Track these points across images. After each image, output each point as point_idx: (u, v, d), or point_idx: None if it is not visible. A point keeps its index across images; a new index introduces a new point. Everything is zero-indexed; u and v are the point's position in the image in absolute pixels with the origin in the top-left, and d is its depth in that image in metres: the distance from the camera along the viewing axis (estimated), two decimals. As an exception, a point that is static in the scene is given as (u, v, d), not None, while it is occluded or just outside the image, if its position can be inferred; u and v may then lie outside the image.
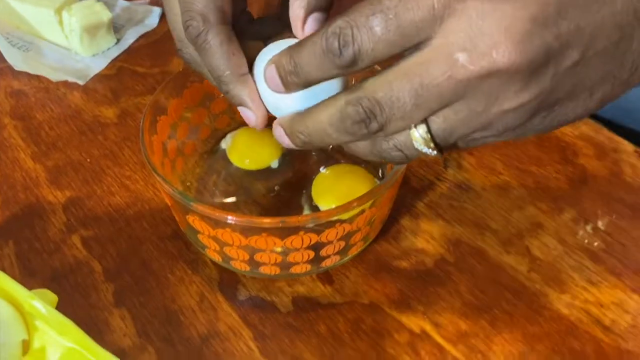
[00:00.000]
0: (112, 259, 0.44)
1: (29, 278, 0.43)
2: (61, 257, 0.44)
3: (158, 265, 0.44)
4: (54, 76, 0.58)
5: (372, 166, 0.46)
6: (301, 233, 0.36)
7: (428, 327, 0.40)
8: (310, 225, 0.36)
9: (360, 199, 0.36)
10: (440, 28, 0.26)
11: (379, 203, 0.39)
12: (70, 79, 0.57)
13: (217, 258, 0.41)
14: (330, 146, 0.42)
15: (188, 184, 0.47)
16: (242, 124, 0.49)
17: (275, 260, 0.39)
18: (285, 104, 0.31)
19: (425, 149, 0.29)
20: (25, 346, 0.36)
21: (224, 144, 0.49)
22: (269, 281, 0.42)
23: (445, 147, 0.29)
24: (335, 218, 0.36)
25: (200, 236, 0.39)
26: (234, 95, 0.34)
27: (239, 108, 0.34)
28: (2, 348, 0.35)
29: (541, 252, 0.43)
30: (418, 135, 0.28)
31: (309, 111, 0.30)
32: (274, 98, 0.32)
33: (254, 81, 0.33)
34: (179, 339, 0.40)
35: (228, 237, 0.37)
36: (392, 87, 0.27)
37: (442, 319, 0.40)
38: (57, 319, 0.35)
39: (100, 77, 0.58)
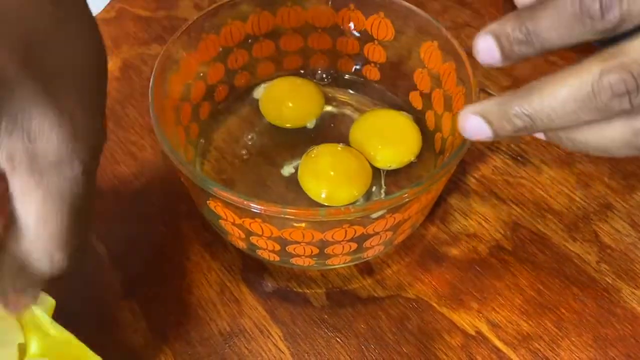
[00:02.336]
0: (118, 242, 0.38)
1: (23, 263, 0.37)
2: (60, 237, 0.38)
3: (171, 249, 0.38)
4: (45, 20, 0.50)
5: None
6: (345, 226, 0.31)
7: (484, 328, 0.35)
8: (357, 217, 0.30)
9: (422, 185, 0.30)
10: None
11: (437, 187, 0.33)
12: (64, 24, 0.50)
13: (241, 245, 0.36)
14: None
15: (203, 149, 0.41)
16: (265, 79, 0.43)
17: (311, 252, 0.33)
18: None
19: None
20: (22, 351, 0.31)
21: (256, 94, 0.43)
22: (300, 270, 0.37)
23: None
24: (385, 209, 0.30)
25: (222, 222, 0.33)
26: None
27: None
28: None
29: (612, 239, 0.38)
30: None
31: (534, 87, 0.25)
32: None
33: None
34: (199, 338, 0.35)
35: (257, 228, 0.31)
36: None
37: (501, 318, 0.35)
38: (55, 329, 0.30)
39: (97, 21, 0.51)
